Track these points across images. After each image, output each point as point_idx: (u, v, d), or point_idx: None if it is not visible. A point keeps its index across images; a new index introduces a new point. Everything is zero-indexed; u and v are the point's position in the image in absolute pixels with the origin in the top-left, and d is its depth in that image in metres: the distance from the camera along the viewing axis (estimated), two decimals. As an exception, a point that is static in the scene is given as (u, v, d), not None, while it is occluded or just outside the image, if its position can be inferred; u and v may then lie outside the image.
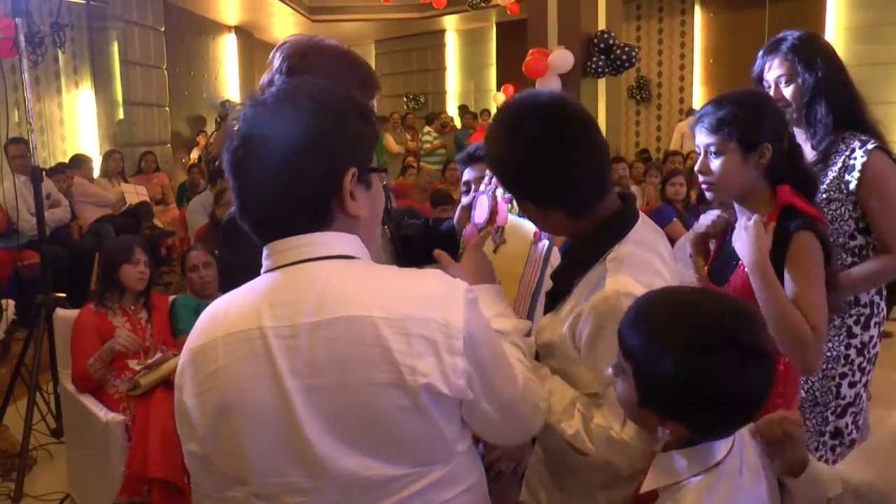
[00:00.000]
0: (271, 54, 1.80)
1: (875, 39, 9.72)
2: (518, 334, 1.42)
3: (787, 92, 2.23)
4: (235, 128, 1.20)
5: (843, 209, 2.19)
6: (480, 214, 1.78)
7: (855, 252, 2.22)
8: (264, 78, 1.78)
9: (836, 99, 2.18)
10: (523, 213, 1.56)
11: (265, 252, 1.22)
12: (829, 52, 2.22)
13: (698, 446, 1.22)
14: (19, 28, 4.01)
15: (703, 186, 1.89)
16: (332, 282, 1.15)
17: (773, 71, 2.25)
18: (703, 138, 1.84)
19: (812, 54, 2.18)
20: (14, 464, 3.71)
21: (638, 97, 11.84)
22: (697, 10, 11.45)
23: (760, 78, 2.29)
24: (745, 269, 1.77)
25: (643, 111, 12.01)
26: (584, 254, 1.49)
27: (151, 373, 3.29)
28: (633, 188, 7.16)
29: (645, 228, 1.52)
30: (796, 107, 2.22)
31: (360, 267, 1.20)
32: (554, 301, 1.56)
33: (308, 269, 1.17)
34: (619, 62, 6.98)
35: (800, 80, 2.19)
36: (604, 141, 1.50)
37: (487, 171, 1.79)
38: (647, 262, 1.45)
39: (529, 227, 1.71)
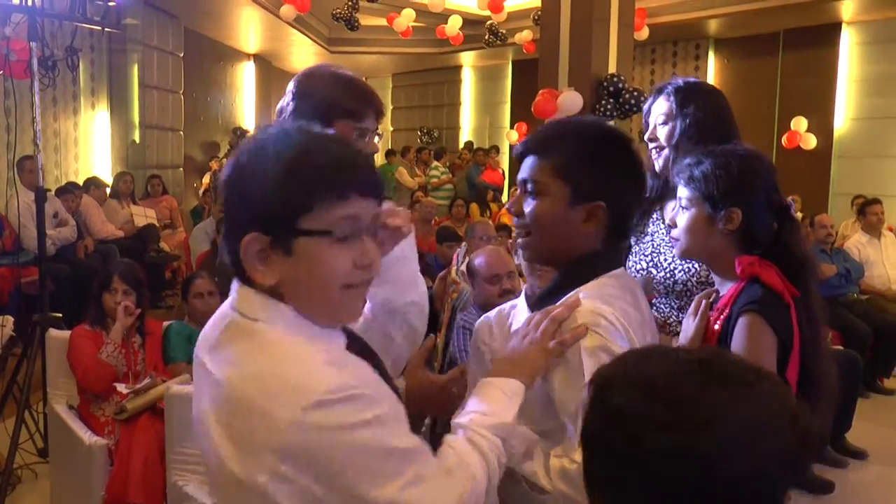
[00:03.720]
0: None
1: (887, 92, 9.73)
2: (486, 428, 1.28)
3: (662, 132, 2.13)
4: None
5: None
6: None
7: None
8: (279, 106, 1.87)
9: (706, 145, 1.98)
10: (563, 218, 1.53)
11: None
12: (710, 100, 2.10)
13: None
14: (33, 52, 4.11)
15: (670, 241, 1.84)
16: (224, 336, 1.17)
17: (654, 109, 2.16)
18: (679, 189, 1.76)
19: (689, 98, 2.08)
20: (-1, 482, 3.72)
21: (650, 140, 11.90)
22: (711, 56, 11.51)
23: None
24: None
25: (654, 154, 12.05)
26: (572, 278, 1.51)
27: (138, 398, 3.31)
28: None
29: (625, 274, 1.57)
30: (668, 147, 2.13)
31: (258, 335, 1.14)
32: None
33: (230, 316, 1.19)
34: (627, 106, 7.02)
35: (672, 123, 2.09)
36: None
37: (462, 247, 1.85)
38: (621, 295, 1.49)
39: None
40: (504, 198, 11.73)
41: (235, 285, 1.20)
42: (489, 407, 1.29)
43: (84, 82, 8.66)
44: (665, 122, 2.12)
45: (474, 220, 7.69)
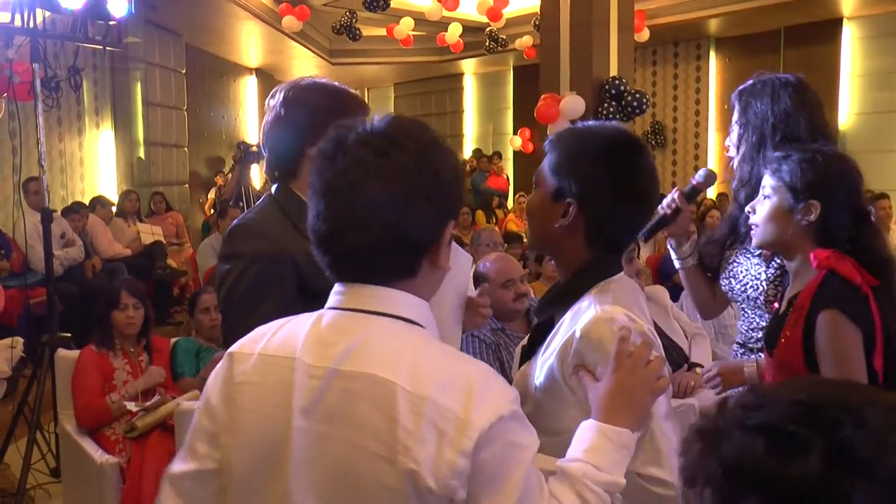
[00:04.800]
0: (267, 99, 1.89)
1: (890, 86, 9.72)
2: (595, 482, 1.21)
3: (732, 140, 2.13)
4: (339, 148, 1.16)
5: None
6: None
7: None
8: (268, 118, 1.87)
9: (759, 148, 2.03)
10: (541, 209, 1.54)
11: (337, 287, 1.19)
12: (773, 100, 2.05)
13: None
14: (36, 73, 4.13)
15: (751, 228, 1.84)
16: (377, 338, 1.13)
17: (733, 118, 2.14)
18: (766, 178, 1.79)
19: (749, 101, 2.06)
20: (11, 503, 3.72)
21: (653, 142, 11.87)
22: (712, 56, 11.51)
23: None
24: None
25: (658, 156, 12.02)
26: (572, 286, 1.50)
27: (148, 415, 3.32)
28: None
29: (627, 279, 1.55)
30: (736, 157, 2.12)
31: (414, 335, 1.15)
32: (533, 345, 1.56)
33: (366, 319, 1.14)
34: (629, 108, 7.01)
35: (736, 129, 2.10)
36: None
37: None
38: (632, 300, 1.47)
39: None
40: (509, 204, 11.72)
41: (383, 291, 1.16)
42: (601, 460, 1.21)
43: (88, 102, 8.70)
44: (734, 130, 2.11)
45: (480, 228, 7.69)
